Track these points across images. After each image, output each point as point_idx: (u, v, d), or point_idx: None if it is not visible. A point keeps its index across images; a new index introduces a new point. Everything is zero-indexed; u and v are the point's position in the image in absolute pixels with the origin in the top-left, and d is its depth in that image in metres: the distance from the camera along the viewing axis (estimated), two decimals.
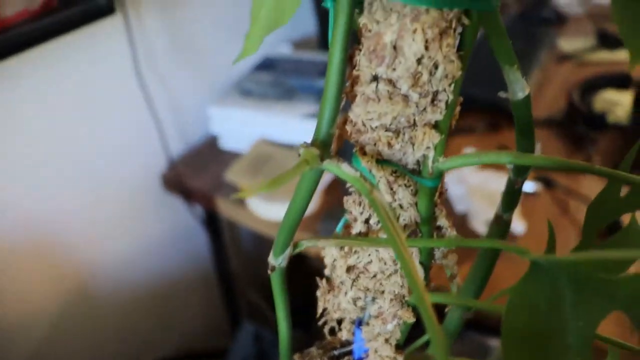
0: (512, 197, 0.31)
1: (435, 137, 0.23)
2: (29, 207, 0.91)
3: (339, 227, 0.31)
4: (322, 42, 1.33)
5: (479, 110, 1.18)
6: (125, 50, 0.96)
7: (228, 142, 1.14)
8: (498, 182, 0.96)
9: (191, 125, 1.17)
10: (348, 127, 0.25)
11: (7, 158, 0.86)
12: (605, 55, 1.44)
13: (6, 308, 0.93)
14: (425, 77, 0.23)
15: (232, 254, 1.32)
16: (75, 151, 0.94)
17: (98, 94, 0.95)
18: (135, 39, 0.97)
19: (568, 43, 1.54)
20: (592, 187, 1.00)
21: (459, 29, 0.23)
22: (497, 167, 1.01)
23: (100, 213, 1.03)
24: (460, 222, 0.92)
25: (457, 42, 0.23)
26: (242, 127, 1.11)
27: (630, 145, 1.02)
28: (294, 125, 1.06)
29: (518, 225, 0.89)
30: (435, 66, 0.22)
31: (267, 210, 0.97)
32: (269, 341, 1.14)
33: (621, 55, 1.39)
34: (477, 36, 0.24)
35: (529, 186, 0.98)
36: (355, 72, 0.24)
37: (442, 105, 0.23)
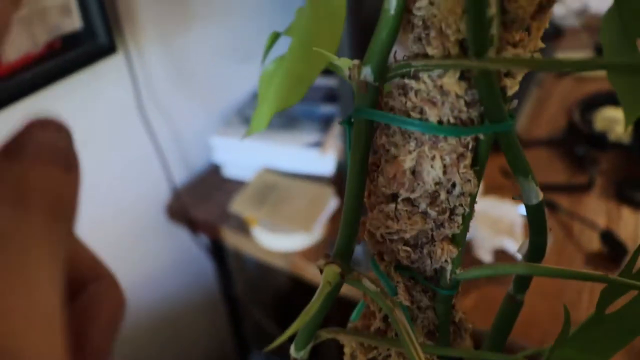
0: (524, 278, 0.31)
1: (453, 252, 0.24)
2: None
3: (355, 316, 0.31)
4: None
5: None
6: (128, 85, 0.97)
7: (231, 171, 1.15)
8: (502, 209, 0.97)
9: (194, 155, 1.18)
10: (366, 237, 0.26)
11: None
12: (603, 71, 1.44)
13: None
14: (443, 196, 0.23)
15: (238, 280, 1.32)
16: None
17: (101, 129, 0.96)
18: (137, 74, 0.97)
19: (566, 57, 1.55)
20: (594, 209, 1.01)
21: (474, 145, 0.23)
22: (501, 193, 1.02)
23: (105, 245, 1.03)
24: (465, 249, 0.92)
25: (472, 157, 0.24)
26: (245, 155, 1.11)
27: (632, 165, 1.02)
28: (298, 154, 1.06)
29: None
30: (453, 185, 0.23)
31: (271, 241, 0.97)
32: None
33: None
34: (491, 149, 0.25)
35: None
36: (372, 187, 0.24)
37: (459, 219, 0.24)
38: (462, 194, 0.23)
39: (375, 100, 0.22)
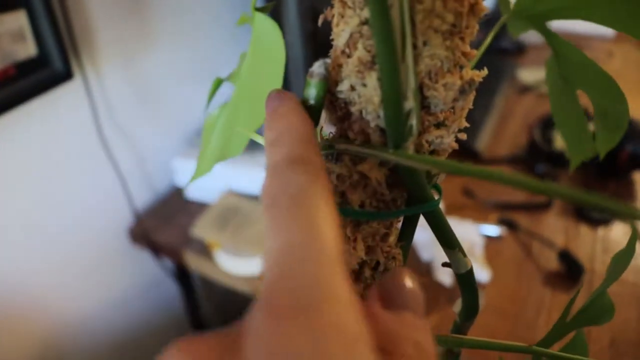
0: (459, 334, 0.32)
1: None
2: None
3: None
4: (286, 88, 1.33)
5: None
6: (86, 111, 0.95)
7: (194, 193, 1.14)
8: (463, 230, 0.98)
9: (156, 177, 1.17)
10: None
11: None
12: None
13: None
14: (367, 273, 0.23)
15: (204, 302, 1.31)
16: (42, 212, 0.93)
17: (61, 155, 0.94)
18: (96, 99, 0.96)
19: (528, 73, 1.58)
20: (554, 227, 1.03)
21: (400, 222, 0.24)
22: (462, 213, 1.03)
23: (69, 270, 1.02)
24: (426, 270, 0.93)
25: (398, 233, 0.24)
26: (207, 178, 1.11)
27: (591, 182, 1.03)
28: (260, 176, 1.06)
29: (483, 273, 0.90)
30: (377, 263, 0.23)
31: (234, 265, 0.97)
32: None
33: None
34: (417, 224, 0.25)
35: (493, 230, 1.00)
36: None
37: None
38: (387, 270, 0.23)
39: None
